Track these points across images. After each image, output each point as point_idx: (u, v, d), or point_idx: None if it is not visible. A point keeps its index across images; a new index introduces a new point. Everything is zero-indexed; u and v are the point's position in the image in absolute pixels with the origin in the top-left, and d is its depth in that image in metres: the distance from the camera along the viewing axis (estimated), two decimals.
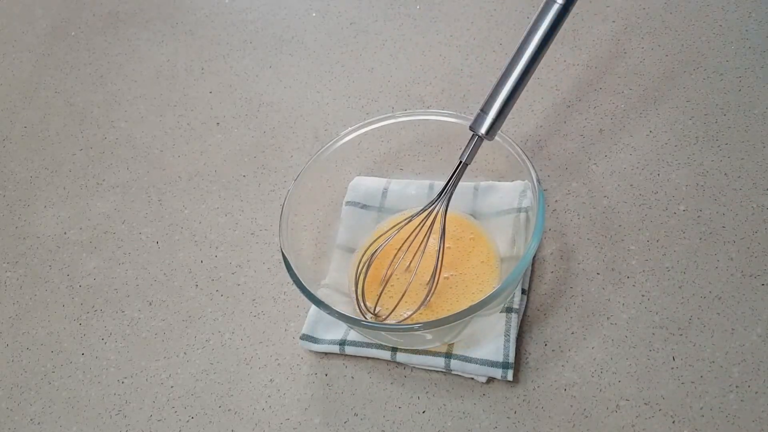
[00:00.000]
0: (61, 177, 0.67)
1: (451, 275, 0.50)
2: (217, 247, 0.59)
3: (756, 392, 0.44)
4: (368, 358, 0.49)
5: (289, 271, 0.45)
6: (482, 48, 0.70)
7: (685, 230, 0.53)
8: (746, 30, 0.66)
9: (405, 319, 0.48)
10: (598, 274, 0.51)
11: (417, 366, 0.48)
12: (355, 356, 0.50)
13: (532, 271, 0.52)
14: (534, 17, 0.43)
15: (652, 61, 0.65)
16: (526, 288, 0.50)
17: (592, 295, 0.50)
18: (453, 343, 0.48)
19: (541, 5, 0.43)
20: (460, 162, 0.46)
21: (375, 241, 0.52)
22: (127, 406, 0.50)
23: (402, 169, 0.57)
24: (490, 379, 0.47)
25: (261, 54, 0.75)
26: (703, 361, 0.46)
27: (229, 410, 0.49)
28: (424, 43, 0.72)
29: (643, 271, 0.51)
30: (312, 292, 0.44)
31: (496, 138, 0.47)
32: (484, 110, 0.45)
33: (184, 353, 0.52)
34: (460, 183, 0.47)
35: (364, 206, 0.56)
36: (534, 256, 0.52)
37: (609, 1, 0.72)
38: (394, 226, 0.49)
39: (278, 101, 0.70)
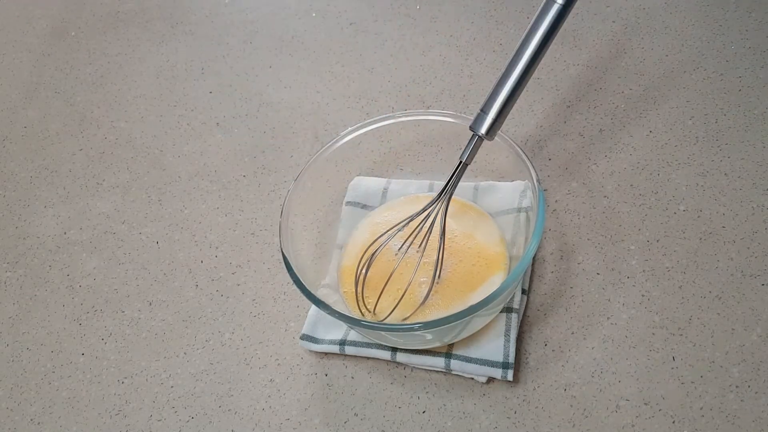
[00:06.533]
0: (61, 177, 0.67)
1: (452, 275, 0.50)
2: (217, 247, 0.59)
3: (756, 392, 0.44)
4: (368, 358, 0.49)
5: (289, 271, 0.45)
6: (482, 48, 0.71)
7: (685, 230, 0.53)
8: (746, 30, 0.66)
9: (405, 318, 0.48)
10: (598, 274, 0.51)
11: (417, 366, 0.48)
12: (355, 356, 0.50)
13: (532, 271, 0.52)
14: (534, 17, 0.43)
15: (652, 61, 0.65)
16: (526, 288, 0.50)
17: (592, 295, 0.50)
18: (453, 343, 0.48)
19: (541, 5, 0.43)
20: (460, 162, 0.46)
21: (375, 241, 0.51)
22: (127, 406, 0.50)
23: (402, 169, 0.57)
24: (490, 379, 0.47)
25: (261, 54, 0.75)
26: (703, 361, 0.46)
27: (229, 410, 0.49)
28: (424, 43, 0.73)
29: (643, 271, 0.51)
30: (312, 292, 0.44)
31: (496, 138, 0.47)
32: (484, 110, 0.45)
33: (184, 353, 0.52)
34: (460, 183, 0.47)
35: (364, 206, 0.56)
36: (534, 256, 0.52)
37: (609, 1, 0.72)
38: (394, 226, 0.49)
39: (278, 101, 0.70)
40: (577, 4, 0.43)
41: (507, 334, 0.47)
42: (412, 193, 0.56)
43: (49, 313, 0.57)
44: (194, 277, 0.57)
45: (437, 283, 0.49)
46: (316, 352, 0.50)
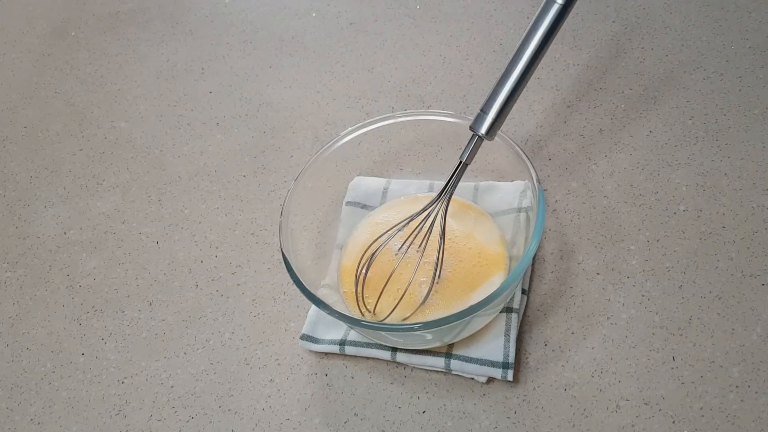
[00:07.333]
0: (61, 177, 0.67)
1: (452, 274, 0.50)
2: (217, 247, 0.59)
3: (756, 392, 0.44)
4: (368, 358, 0.49)
5: (289, 271, 0.45)
6: (482, 48, 0.71)
7: (685, 230, 0.53)
8: (746, 30, 0.66)
9: (405, 318, 0.48)
10: (598, 274, 0.51)
11: (417, 366, 0.48)
12: (355, 356, 0.50)
13: (532, 271, 0.52)
14: (534, 17, 0.43)
15: (652, 61, 0.65)
16: (526, 288, 0.50)
17: (592, 295, 0.50)
18: (453, 343, 0.48)
19: (541, 5, 0.43)
20: (460, 162, 0.46)
21: (375, 241, 0.52)
22: (127, 406, 0.50)
23: (402, 169, 0.57)
24: (490, 379, 0.47)
25: (261, 54, 0.75)
26: (703, 361, 0.46)
27: (229, 410, 0.49)
28: (424, 43, 0.73)
29: (643, 271, 0.51)
30: (312, 292, 0.44)
31: (496, 138, 0.47)
32: (484, 110, 0.45)
33: (184, 353, 0.52)
34: (460, 183, 0.47)
35: (364, 206, 0.56)
36: (534, 256, 0.52)
37: (609, 1, 0.72)
38: (394, 226, 0.49)
39: (278, 101, 0.70)
40: (577, 4, 0.43)
41: (507, 334, 0.47)
42: (412, 193, 0.56)
43: (49, 313, 0.57)
44: (194, 277, 0.57)
45: (437, 283, 0.49)
46: (316, 352, 0.50)
